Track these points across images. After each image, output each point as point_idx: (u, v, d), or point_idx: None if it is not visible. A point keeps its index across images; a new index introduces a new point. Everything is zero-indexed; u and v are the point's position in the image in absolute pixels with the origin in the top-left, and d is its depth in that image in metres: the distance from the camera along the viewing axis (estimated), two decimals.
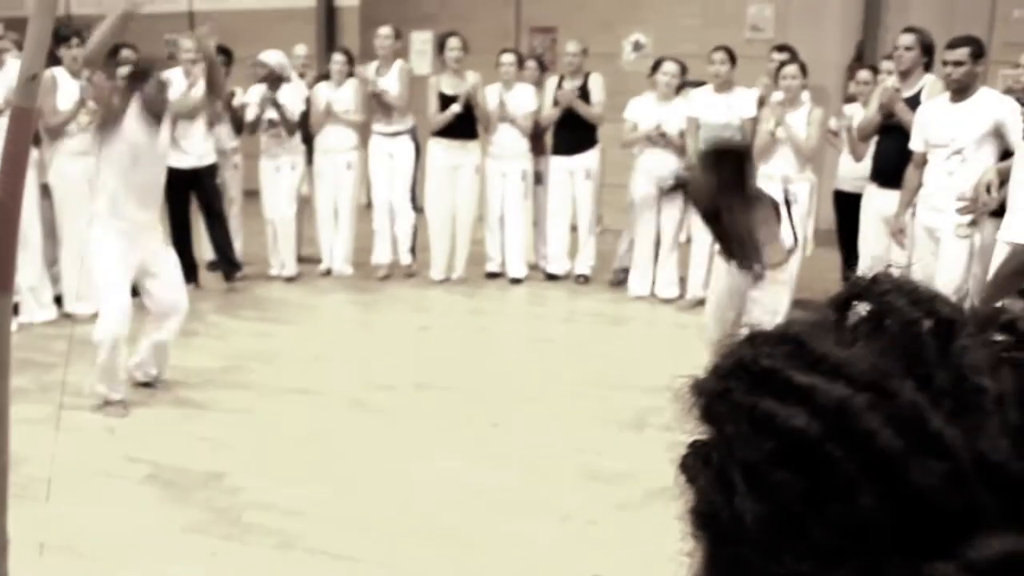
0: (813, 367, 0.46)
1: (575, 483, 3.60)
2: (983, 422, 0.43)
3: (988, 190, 4.36)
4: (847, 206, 6.22)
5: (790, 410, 0.45)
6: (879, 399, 0.44)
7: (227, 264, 6.80)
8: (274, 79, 6.82)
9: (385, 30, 6.96)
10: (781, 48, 6.34)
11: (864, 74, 6.22)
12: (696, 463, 0.51)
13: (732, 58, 6.22)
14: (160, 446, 3.90)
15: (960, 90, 4.60)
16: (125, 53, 6.39)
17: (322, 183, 7.08)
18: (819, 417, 0.44)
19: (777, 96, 5.93)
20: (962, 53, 4.54)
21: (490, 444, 3.98)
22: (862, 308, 0.50)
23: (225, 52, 6.94)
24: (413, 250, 7.13)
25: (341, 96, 6.97)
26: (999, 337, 0.47)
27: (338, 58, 7.08)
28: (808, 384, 0.45)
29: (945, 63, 4.63)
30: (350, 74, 7.03)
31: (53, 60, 5.77)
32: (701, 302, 6.35)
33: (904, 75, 5.32)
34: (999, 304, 0.51)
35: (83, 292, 5.67)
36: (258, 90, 6.93)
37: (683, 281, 6.53)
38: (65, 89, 5.76)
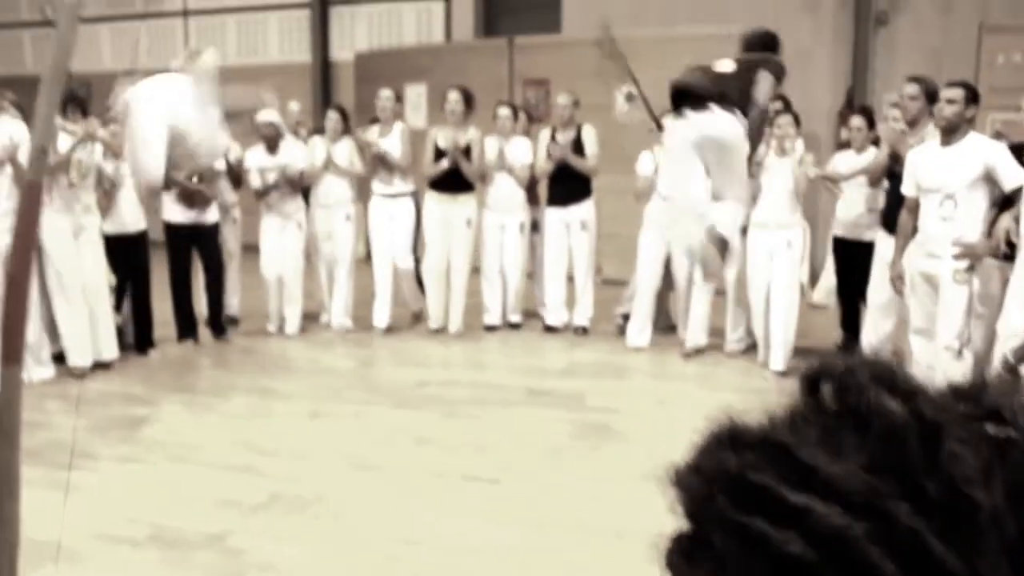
0: (805, 484, 0.45)
1: (579, 538, 3.57)
2: (980, 541, 0.43)
3: (1008, 239, 4.41)
4: (845, 252, 6.26)
5: (784, 534, 0.44)
6: (878, 526, 0.43)
7: (216, 328, 6.84)
8: (272, 139, 6.92)
9: (386, 92, 7.03)
10: (774, 98, 6.41)
11: (857, 120, 6.28)
12: (680, 561, 0.50)
13: None
14: (160, 506, 3.87)
15: (949, 131, 4.66)
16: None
17: (320, 236, 7.13)
18: (816, 544, 0.43)
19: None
20: (957, 93, 4.61)
21: (492, 500, 3.96)
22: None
23: None
24: (422, 288, 7.15)
25: (337, 151, 7.06)
26: (987, 427, 0.47)
27: (332, 115, 7.18)
28: (802, 506, 0.44)
29: (940, 101, 4.72)
30: (345, 131, 7.12)
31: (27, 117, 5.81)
32: (701, 350, 6.40)
33: (911, 124, 5.41)
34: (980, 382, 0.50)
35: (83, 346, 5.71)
36: (257, 153, 7.00)
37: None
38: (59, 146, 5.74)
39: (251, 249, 7.24)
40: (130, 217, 6.26)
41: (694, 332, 6.40)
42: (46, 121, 1.72)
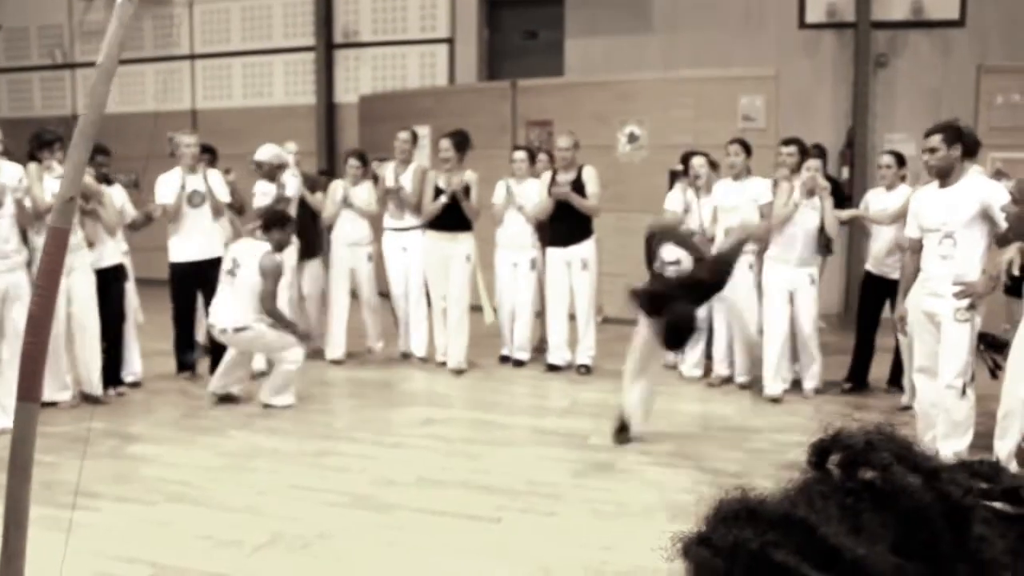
0: (829, 565, 0.44)
1: None
2: None
3: (1009, 269, 4.44)
4: (871, 287, 6.46)
5: None
6: None
7: (216, 363, 6.79)
8: (271, 171, 7.17)
9: (404, 135, 7.41)
10: (788, 142, 6.61)
11: (887, 158, 6.44)
12: None
13: (747, 149, 6.54)
14: (160, 545, 3.85)
15: (942, 175, 4.70)
16: (99, 159, 6.45)
17: (339, 274, 7.46)
18: None
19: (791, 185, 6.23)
20: (935, 140, 4.66)
21: (494, 539, 3.93)
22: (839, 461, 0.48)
23: (209, 150, 7.53)
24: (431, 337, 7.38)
25: (357, 194, 7.41)
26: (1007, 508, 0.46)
27: (353, 162, 7.53)
28: None
29: (923, 151, 4.77)
30: (364, 175, 7.49)
31: (32, 157, 5.86)
32: (728, 379, 6.56)
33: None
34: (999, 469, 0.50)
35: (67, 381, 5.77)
36: (262, 187, 7.24)
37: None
38: (48, 183, 5.78)
39: None
40: (107, 251, 6.30)
41: (720, 363, 6.73)
42: (76, 171, 1.79)
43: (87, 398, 6.05)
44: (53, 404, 5.73)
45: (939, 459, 0.48)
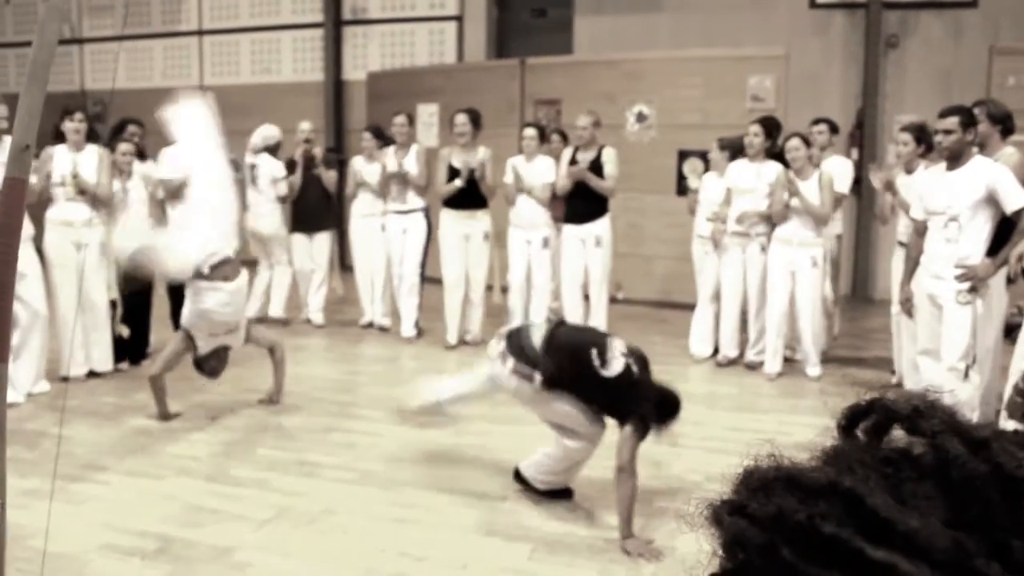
0: (882, 538, 0.42)
1: (588, 557, 3.58)
2: None
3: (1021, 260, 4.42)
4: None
5: None
6: None
7: None
8: (270, 152, 7.73)
9: (400, 119, 7.45)
10: (818, 121, 6.72)
11: (904, 136, 5.87)
12: None
13: (767, 131, 6.45)
14: (168, 519, 3.89)
15: (953, 158, 4.68)
16: (131, 128, 6.60)
17: (358, 245, 7.76)
18: None
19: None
20: (952, 122, 4.62)
21: (500, 518, 3.96)
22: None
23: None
24: (417, 325, 7.50)
25: (372, 171, 7.58)
26: None
27: (367, 136, 7.70)
28: (885, 561, 0.42)
29: (936, 131, 4.73)
30: (383, 146, 7.63)
31: (58, 135, 5.93)
32: (733, 360, 6.63)
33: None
34: None
35: (78, 356, 5.83)
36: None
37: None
38: (60, 163, 5.86)
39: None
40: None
41: (726, 344, 6.75)
42: (29, 117, 1.73)
43: (92, 374, 6.12)
44: (65, 380, 5.80)
45: (987, 428, 0.47)
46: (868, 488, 0.44)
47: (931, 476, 0.45)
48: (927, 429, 0.47)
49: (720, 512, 0.48)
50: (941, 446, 0.46)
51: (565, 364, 3.77)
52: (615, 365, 3.72)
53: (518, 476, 4.20)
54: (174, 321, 6.85)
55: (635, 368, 3.76)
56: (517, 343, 3.88)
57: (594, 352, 3.74)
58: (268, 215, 7.76)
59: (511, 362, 3.84)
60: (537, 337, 3.87)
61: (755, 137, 6.42)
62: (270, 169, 7.74)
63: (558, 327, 4.05)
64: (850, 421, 0.49)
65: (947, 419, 0.47)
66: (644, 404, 3.70)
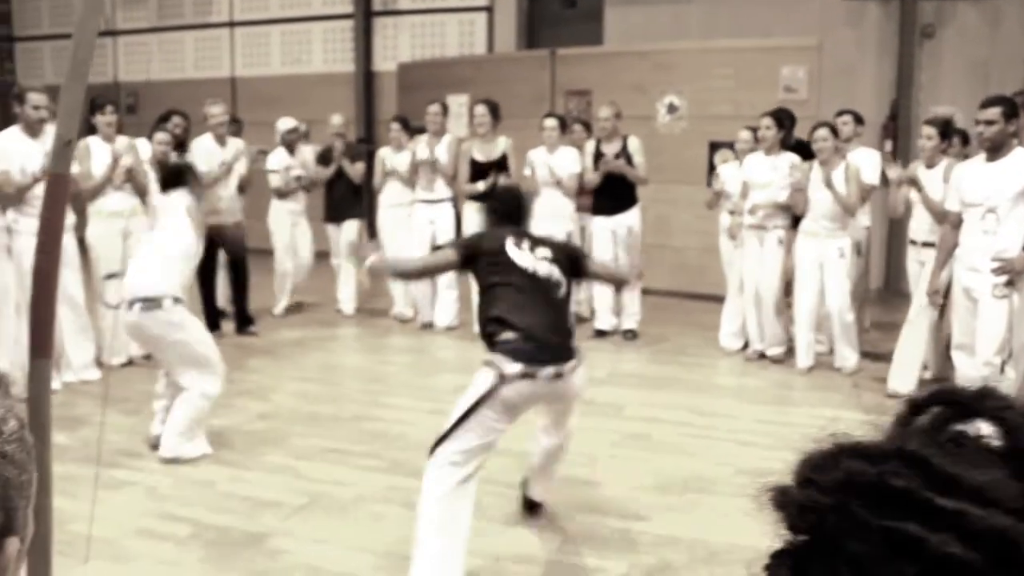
0: (951, 491, 0.44)
1: (621, 549, 3.58)
2: None
3: None
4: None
5: (940, 536, 0.43)
6: None
7: (242, 320, 7.26)
8: (290, 143, 7.78)
9: (435, 107, 7.43)
10: (842, 112, 6.65)
11: (928, 129, 5.77)
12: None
13: (779, 123, 6.39)
14: (201, 505, 3.93)
15: (993, 149, 4.61)
16: (176, 120, 6.73)
17: (387, 234, 7.71)
18: (976, 546, 0.43)
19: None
20: (994, 112, 4.55)
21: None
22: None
23: (234, 120, 8.03)
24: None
25: (401, 160, 7.56)
26: None
27: (395, 126, 7.72)
28: (955, 509, 0.43)
29: (978, 122, 4.66)
30: (411, 137, 7.64)
31: (89, 128, 6.02)
32: (763, 355, 6.53)
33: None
34: None
35: (116, 346, 5.91)
36: (280, 155, 7.79)
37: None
38: (98, 155, 5.97)
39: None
40: None
41: (755, 337, 6.66)
42: (70, 114, 1.74)
43: (130, 363, 6.20)
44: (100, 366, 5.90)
45: None
46: (933, 451, 0.46)
47: (995, 450, 0.46)
48: (992, 407, 0.48)
49: (787, 489, 0.49)
50: (1006, 419, 0.47)
51: None
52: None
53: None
54: (204, 313, 6.93)
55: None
56: None
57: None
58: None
59: None
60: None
61: (767, 130, 6.35)
62: (276, 161, 7.82)
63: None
64: (912, 411, 0.51)
65: (1009, 400, 0.49)
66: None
